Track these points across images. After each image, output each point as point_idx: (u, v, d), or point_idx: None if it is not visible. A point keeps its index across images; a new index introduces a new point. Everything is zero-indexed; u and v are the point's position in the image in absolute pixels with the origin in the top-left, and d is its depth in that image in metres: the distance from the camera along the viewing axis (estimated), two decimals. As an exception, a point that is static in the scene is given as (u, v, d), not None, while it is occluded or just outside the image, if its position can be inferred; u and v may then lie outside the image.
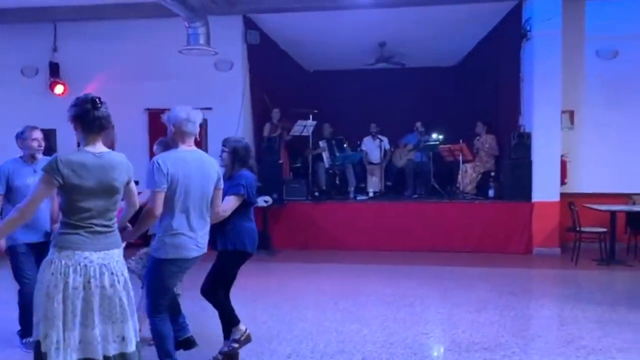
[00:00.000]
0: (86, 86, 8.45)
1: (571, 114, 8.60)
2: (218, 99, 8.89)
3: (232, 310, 3.88)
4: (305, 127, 9.14)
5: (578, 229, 7.33)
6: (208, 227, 3.47)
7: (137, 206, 3.12)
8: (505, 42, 9.27)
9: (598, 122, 8.60)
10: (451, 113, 11.48)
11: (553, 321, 5.23)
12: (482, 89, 10.84)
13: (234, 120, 8.79)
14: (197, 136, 3.43)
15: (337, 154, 9.74)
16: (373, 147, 10.59)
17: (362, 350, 4.26)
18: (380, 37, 10.42)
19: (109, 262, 2.71)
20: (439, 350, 4.41)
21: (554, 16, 8.00)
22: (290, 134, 9.31)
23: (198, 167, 3.37)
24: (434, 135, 10.41)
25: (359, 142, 10.80)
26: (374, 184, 10.44)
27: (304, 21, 9.36)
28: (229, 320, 3.87)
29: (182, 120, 3.33)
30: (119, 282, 2.72)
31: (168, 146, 3.54)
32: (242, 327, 3.88)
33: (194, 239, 3.33)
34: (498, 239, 8.30)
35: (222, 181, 3.54)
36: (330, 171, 9.85)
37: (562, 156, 8.34)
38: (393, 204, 8.98)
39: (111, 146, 3.30)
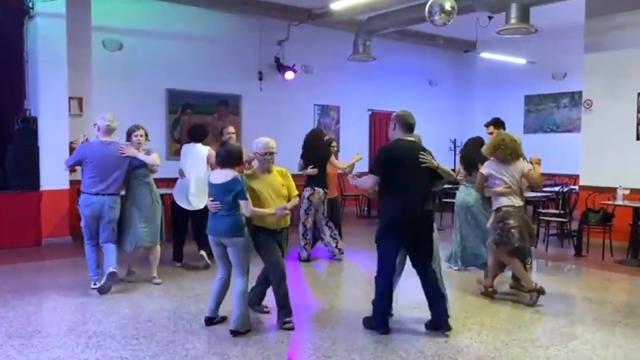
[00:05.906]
0: None
1: (80, 100, 8.60)
2: None
3: None
4: None
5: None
6: None
7: None
8: (7, 15, 8.38)
9: (106, 109, 8.86)
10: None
11: (57, 313, 5.09)
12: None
13: None
14: None
15: None
16: None
17: None
18: None
19: None
20: None
21: (57, -2, 7.77)
22: None
23: None
24: None
25: None
26: None
27: None
28: None
29: None
30: None
31: None
32: None
33: None
34: (3, 233, 7.56)
35: None
36: None
37: (70, 143, 8.24)
38: None
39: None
